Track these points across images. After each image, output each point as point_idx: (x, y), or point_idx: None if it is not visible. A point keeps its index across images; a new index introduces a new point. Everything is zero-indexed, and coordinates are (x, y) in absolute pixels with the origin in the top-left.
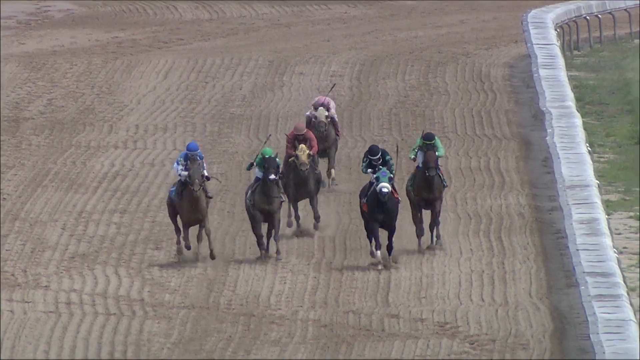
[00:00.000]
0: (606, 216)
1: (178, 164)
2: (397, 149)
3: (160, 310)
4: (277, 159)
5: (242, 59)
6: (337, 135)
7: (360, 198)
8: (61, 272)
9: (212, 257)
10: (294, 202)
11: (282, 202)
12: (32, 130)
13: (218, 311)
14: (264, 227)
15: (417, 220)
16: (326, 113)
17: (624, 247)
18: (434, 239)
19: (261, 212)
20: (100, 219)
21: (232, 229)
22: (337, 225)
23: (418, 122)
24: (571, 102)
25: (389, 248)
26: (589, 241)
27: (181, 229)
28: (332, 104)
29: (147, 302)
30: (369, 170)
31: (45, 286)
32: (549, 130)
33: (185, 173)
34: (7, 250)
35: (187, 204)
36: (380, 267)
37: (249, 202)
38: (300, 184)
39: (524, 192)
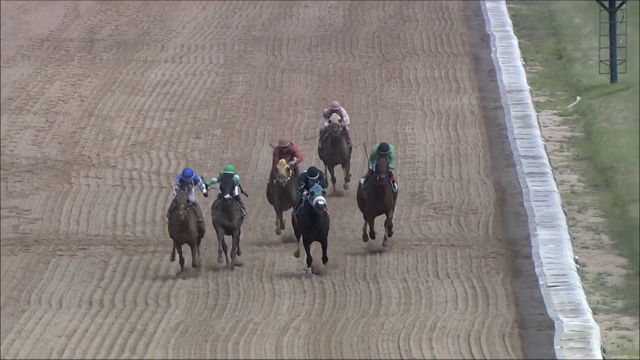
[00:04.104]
0: (536, 113)
1: (174, 186)
2: (365, 148)
3: None
4: (236, 176)
5: None
6: (348, 141)
7: (293, 210)
8: (125, 155)
9: (194, 265)
10: (278, 210)
11: (243, 216)
12: (103, 48)
13: (244, 183)
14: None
15: (367, 227)
16: (339, 117)
17: (549, 137)
18: (385, 239)
19: (222, 226)
20: (155, 116)
21: (254, 122)
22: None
23: (394, 43)
24: (509, 27)
25: (325, 260)
26: (523, 132)
27: (173, 249)
28: (345, 112)
29: None
30: (305, 192)
31: (114, 166)
32: (492, 49)
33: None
34: (84, 139)
35: (176, 224)
36: (307, 273)
37: (213, 217)
38: (283, 194)
39: (474, 95)
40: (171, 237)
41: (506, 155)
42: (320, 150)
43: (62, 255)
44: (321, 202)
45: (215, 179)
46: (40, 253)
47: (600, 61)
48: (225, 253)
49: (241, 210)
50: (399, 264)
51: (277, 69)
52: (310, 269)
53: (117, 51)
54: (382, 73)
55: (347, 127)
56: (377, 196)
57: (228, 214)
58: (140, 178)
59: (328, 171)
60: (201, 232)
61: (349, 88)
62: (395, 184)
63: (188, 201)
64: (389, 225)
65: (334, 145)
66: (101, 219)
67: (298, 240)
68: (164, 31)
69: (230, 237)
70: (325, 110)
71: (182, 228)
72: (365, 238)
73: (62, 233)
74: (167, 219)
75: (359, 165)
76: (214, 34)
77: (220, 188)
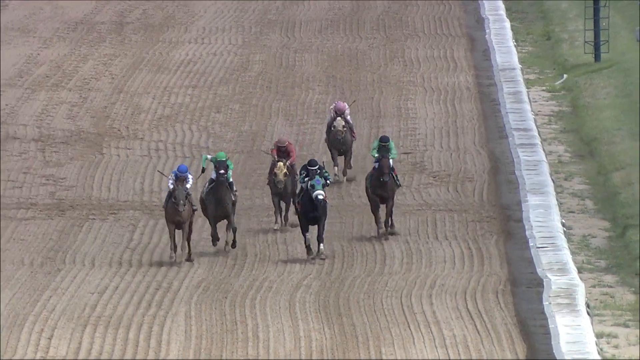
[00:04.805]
0: (526, 89)
1: (170, 179)
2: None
3: None
4: (229, 162)
5: None
6: (353, 137)
7: (295, 198)
8: (152, 128)
9: (190, 260)
10: (277, 206)
11: (235, 202)
12: (132, 30)
13: (259, 155)
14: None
15: (376, 214)
16: (343, 123)
17: (539, 111)
18: (389, 228)
19: (214, 216)
20: (179, 92)
21: (269, 98)
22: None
23: (397, 25)
24: (502, 11)
25: (320, 239)
26: (515, 106)
27: (169, 233)
28: (348, 110)
29: (210, 149)
30: (307, 179)
31: (141, 138)
32: (487, 31)
33: (172, 187)
34: (115, 113)
35: (172, 213)
36: (311, 257)
37: (205, 202)
38: (279, 192)
39: (470, 73)
40: (167, 220)
41: (499, 128)
42: (327, 141)
43: (94, 219)
44: (320, 197)
45: (208, 156)
46: (74, 217)
47: (585, 42)
48: (219, 239)
49: (232, 196)
50: (401, 227)
51: (291, 49)
52: (309, 245)
53: (145, 33)
54: (386, 53)
55: (351, 123)
56: (382, 189)
57: (220, 203)
58: (166, 149)
59: (334, 163)
60: (191, 221)
61: (356, 67)
62: (398, 179)
63: (186, 197)
64: (388, 212)
65: (339, 142)
66: (130, 186)
67: (301, 227)
68: (187, 15)
69: (226, 222)
70: (330, 107)
71: (176, 216)
72: (379, 223)
73: (95, 199)
74: (163, 208)
75: (361, 154)
76: (233, 17)
77: (216, 168)
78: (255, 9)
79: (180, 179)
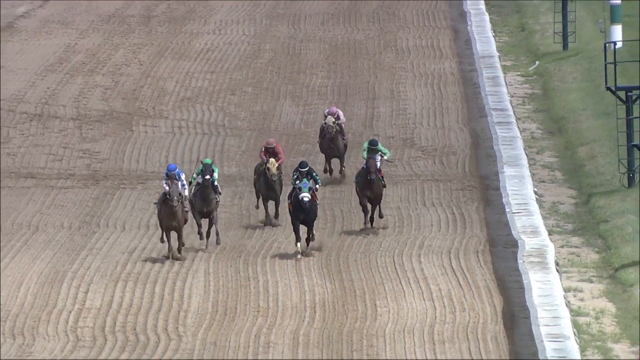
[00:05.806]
0: (503, 74)
1: (164, 181)
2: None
3: (235, 131)
4: (214, 166)
5: None
6: (344, 138)
7: (287, 199)
8: (175, 108)
9: (179, 259)
10: (265, 201)
11: (218, 202)
12: (158, 23)
13: (270, 131)
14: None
15: (364, 208)
16: (333, 119)
17: (514, 93)
18: (375, 219)
19: (200, 212)
20: (199, 76)
21: (278, 82)
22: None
23: (390, 18)
24: (482, 6)
25: (308, 240)
26: (493, 90)
27: (163, 234)
28: (341, 114)
29: (227, 127)
30: (297, 182)
31: (166, 117)
32: (469, 23)
33: (167, 189)
34: (143, 95)
35: (166, 214)
36: (299, 256)
37: (193, 204)
38: (269, 187)
39: (454, 60)
40: (160, 225)
41: (479, 108)
42: (319, 145)
43: (125, 188)
44: (306, 199)
45: (195, 174)
46: (107, 186)
47: (554, 33)
48: (205, 237)
49: (217, 197)
50: (393, 195)
51: (297, 39)
52: (300, 248)
53: (169, 25)
54: (381, 42)
55: (342, 126)
56: (368, 188)
57: (205, 201)
58: (187, 127)
59: (326, 163)
60: (185, 221)
61: (354, 54)
62: (384, 180)
63: (180, 194)
64: (378, 213)
65: (330, 142)
66: (156, 159)
67: (292, 225)
68: (206, 9)
69: (208, 220)
70: (325, 111)
71: (170, 217)
72: (366, 214)
73: (125, 170)
74: (157, 208)
75: (358, 131)
76: (246, 11)
77: (202, 173)
78: (265, 4)
79: (171, 177)
